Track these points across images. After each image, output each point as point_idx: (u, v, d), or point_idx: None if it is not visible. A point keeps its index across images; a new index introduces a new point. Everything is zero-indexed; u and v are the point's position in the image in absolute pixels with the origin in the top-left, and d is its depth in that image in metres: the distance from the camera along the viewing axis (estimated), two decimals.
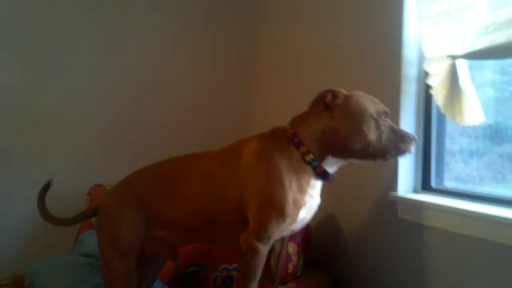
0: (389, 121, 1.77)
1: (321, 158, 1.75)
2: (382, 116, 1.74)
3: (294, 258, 2.40)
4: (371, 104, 1.75)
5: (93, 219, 2.55)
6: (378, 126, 1.72)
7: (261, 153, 1.77)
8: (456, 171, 2.23)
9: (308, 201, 1.77)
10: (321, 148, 1.75)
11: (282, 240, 2.00)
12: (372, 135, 1.71)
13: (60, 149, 3.02)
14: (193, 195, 1.85)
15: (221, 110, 3.57)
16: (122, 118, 3.21)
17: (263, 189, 1.70)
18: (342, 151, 1.74)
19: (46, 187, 2.07)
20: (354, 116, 1.72)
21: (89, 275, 2.17)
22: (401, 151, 1.76)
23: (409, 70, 2.21)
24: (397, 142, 1.74)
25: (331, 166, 1.80)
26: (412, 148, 1.77)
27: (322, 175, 1.77)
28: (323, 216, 2.69)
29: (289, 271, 2.38)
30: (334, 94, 1.74)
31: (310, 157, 1.73)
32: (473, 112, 1.89)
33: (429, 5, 2.05)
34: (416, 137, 1.79)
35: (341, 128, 1.72)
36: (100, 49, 3.13)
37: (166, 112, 3.36)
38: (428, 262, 2.10)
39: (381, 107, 1.76)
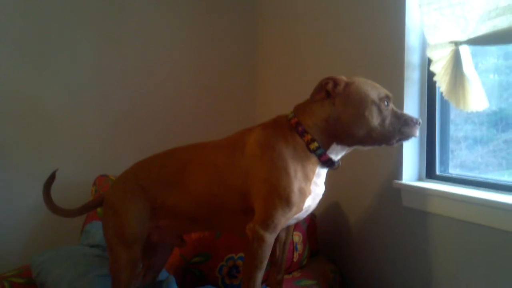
0: (391, 105, 1.76)
1: (326, 146, 1.75)
2: (385, 101, 1.73)
3: (299, 247, 2.41)
4: (372, 90, 1.74)
5: (99, 209, 2.56)
6: (380, 111, 1.71)
7: (265, 142, 1.77)
8: (461, 158, 2.23)
9: (314, 190, 1.77)
10: (325, 136, 1.74)
11: (288, 229, 2.01)
12: (375, 121, 1.70)
13: (65, 140, 3.03)
14: (197, 185, 1.85)
15: (224, 101, 3.57)
16: (126, 109, 3.22)
17: (268, 178, 1.70)
18: (346, 138, 1.74)
19: (51, 178, 2.08)
20: (356, 103, 1.71)
21: (95, 265, 2.18)
22: (406, 135, 1.75)
23: (412, 57, 2.19)
24: (401, 126, 1.73)
25: (336, 154, 1.80)
26: (417, 132, 1.76)
27: (327, 163, 1.77)
28: (328, 205, 2.70)
29: (295, 260, 2.38)
30: (335, 82, 1.73)
31: (314, 145, 1.73)
32: (477, 98, 1.88)
33: None
34: (420, 119, 1.77)
35: (344, 116, 1.71)
36: (102, 41, 3.13)
37: (170, 102, 3.37)
38: (433, 250, 2.10)
39: (383, 91, 1.75)
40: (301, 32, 3.04)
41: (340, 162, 1.82)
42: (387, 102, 1.74)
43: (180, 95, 3.40)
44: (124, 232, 1.91)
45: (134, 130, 3.24)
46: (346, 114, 1.71)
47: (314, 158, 1.75)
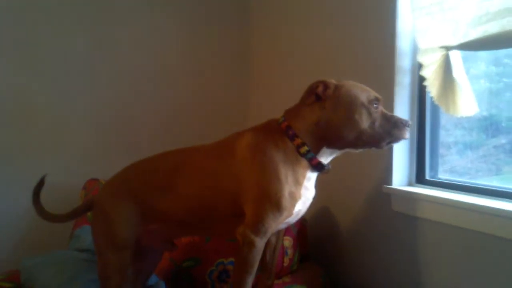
0: (381, 108, 1.76)
1: (316, 149, 1.75)
2: (374, 103, 1.73)
3: (289, 251, 2.40)
4: (362, 92, 1.74)
5: (89, 213, 2.54)
6: (370, 114, 1.72)
7: (256, 146, 1.77)
8: (452, 163, 2.23)
9: (304, 194, 1.77)
10: (316, 139, 1.75)
11: (278, 233, 2.00)
12: (364, 124, 1.71)
13: (55, 143, 3.00)
14: (188, 189, 1.84)
15: (217, 104, 3.55)
16: (117, 112, 3.20)
17: (259, 183, 1.70)
18: (336, 141, 1.74)
19: (40, 184, 2.06)
20: (345, 106, 1.71)
21: (84, 270, 2.16)
22: (396, 138, 1.75)
23: (403, 62, 2.20)
24: (391, 129, 1.73)
25: (326, 158, 1.80)
26: (407, 134, 1.76)
27: (317, 166, 1.76)
28: (318, 209, 2.69)
29: (285, 264, 2.37)
30: (325, 85, 1.74)
31: (305, 149, 1.73)
32: (467, 103, 1.88)
33: None
34: (410, 121, 1.78)
35: (334, 119, 1.71)
36: (94, 43, 3.11)
37: (161, 105, 3.35)
38: (423, 254, 2.11)
39: (372, 94, 1.75)
40: (293, 36, 3.05)
41: (330, 166, 1.82)
42: (376, 105, 1.74)
43: (172, 98, 3.38)
44: (114, 237, 1.90)
45: (125, 133, 3.22)
46: (336, 117, 1.71)
47: (304, 162, 1.74)
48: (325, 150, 1.77)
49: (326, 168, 1.79)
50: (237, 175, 1.76)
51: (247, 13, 3.61)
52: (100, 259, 1.94)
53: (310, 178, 1.79)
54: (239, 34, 3.61)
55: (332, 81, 1.75)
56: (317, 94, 1.74)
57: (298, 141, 1.73)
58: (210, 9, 3.50)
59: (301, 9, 2.95)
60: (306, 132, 1.74)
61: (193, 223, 1.90)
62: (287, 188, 1.70)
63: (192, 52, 3.45)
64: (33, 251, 2.55)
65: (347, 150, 1.79)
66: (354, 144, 1.75)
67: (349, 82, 1.77)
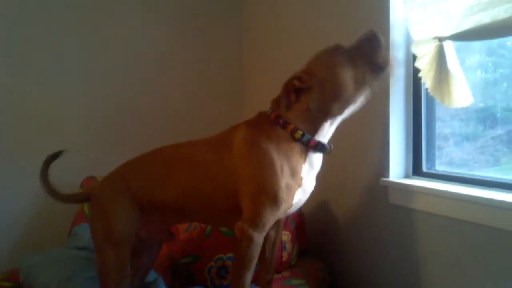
0: (345, 47, 1.77)
1: (314, 130, 1.75)
2: (339, 51, 1.75)
3: (288, 246, 2.41)
4: (328, 56, 1.77)
5: (87, 211, 2.55)
6: (347, 62, 1.73)
7: (250, 140, 1.76)
8: (450, 155, 2.23)
9: (304, 181, 1.76)
10: (311, 122, 1.74)
11: (277, 228, 2.00)
12: (350, 72, 1.71)
13: (51, 142, 2.94)
14: (185, 184, 1.84)
15: (212, 99, 3.56)
16: (113, 110, 3.21)
17: (255, 176, 1.70)
18: (338, 106, 1.73)
19: (55, 155, 2.08)
20: (327, 76, 1.72)
21: (83, 267, 2.15)
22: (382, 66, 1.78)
23: (397, 54, 2.20)
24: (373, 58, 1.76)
25: (324, 136, 1.79)
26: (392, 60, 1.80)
27: (317, 147, 1.75)
28: (316, 203, 2.70)
29: (284, 259, 2.38)
30: (299, 79, 1.74)
31: (299, 133, 1.72)
32: (461, 94, 1.88)
33: None
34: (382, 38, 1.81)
35: (324, 94, 1.72)
36: (89, 42, 3.12)
37: (156, 102, 3.36)
38: (420, 247, 2.11)
39: (331, 48, 1.78)
40: (286, 29, 3.05)
41: (332, 146, 1.81)
42: (341, 50, 1.76)
43: (167, 95, 3.39)
44: (112, 233, 1.90)
45: (120, 131, 3.23)
46: (326, 91, 1.72)
47: (298, 148, 1.74)
48: (324, 125, 1.76)
49: (327, 148, 1.78)
50: (234, 170, 1.76)
51: (242, 7, 3.62)
52: (99, 256, 1.94)
53: (312, 162, 1.78)
54: (233, 28, 3.63)
55: (301, 70, 1.77)
56: (297, 89, 1.74)
57: (290, 127, 1.73)
58: (203, 5, 3.51)
59: (294, 2, 2.95)
60: (298, 119, 1.74)
61: (191, 215, 1.92)
62: (283, 180, 1.69)
63: (186, 48, 3.46)
64: (32, 249, 2.55)
65: (350, 108, 1.77)
66: (353, 96, 1.73)
67: (314, 58, 1.82)
